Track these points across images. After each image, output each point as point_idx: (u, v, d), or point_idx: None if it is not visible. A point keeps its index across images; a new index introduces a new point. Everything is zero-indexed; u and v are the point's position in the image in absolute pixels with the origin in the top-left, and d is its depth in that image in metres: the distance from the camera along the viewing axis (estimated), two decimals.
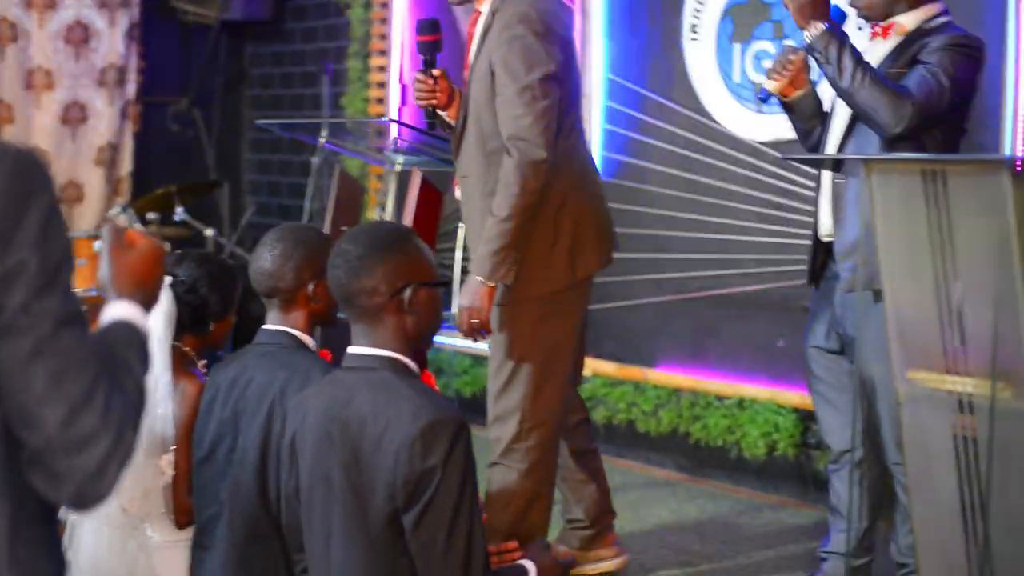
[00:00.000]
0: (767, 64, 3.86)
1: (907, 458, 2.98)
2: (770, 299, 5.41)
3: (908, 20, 3.68)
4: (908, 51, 3.61)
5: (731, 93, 5.62)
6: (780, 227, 5.37)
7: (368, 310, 2.62)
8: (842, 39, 3.54)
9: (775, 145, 5.31)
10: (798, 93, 3.85)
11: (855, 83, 3.48)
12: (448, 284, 2.73)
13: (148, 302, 1.82)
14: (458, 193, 3.88)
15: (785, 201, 5.34)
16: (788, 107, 3.89)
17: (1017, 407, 2.60)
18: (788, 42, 3.94)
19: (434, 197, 4.46)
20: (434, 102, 3.79)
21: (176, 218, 6.53)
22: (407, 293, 2.61)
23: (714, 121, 5.67)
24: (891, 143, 3.52)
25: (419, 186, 4.40)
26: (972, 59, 3.60)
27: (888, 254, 2.88)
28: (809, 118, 3.89)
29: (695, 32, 5.75)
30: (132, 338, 1.75)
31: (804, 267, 5.14)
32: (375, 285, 2.60)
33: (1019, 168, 2.77)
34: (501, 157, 3.59)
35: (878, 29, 3.73)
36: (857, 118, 3.64)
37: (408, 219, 4.30)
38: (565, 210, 3.67)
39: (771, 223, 5.41)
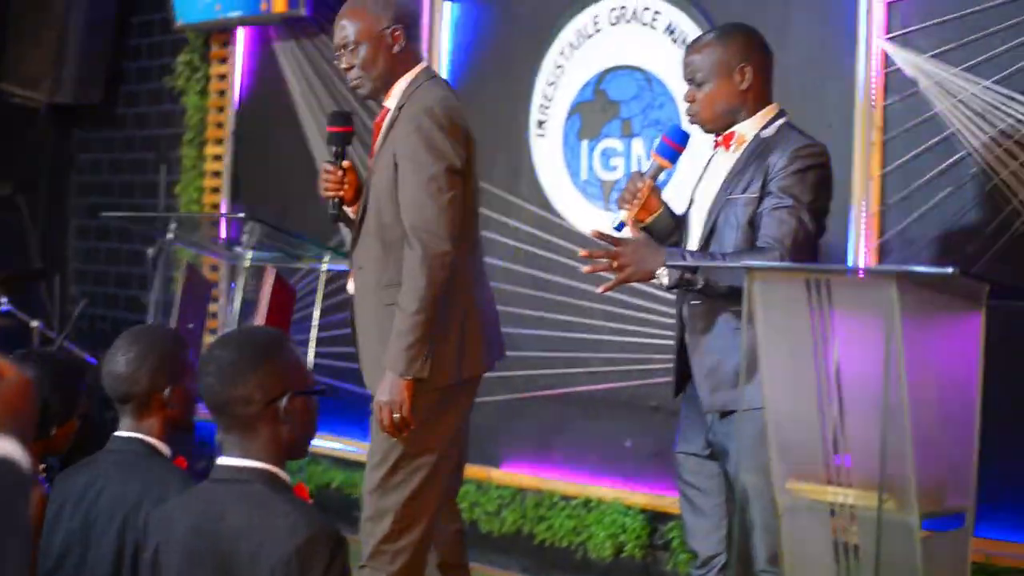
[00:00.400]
0: (623, 196, 3.79)
1: (785, 568, 2.93)
2: (618, 398, 5.38)
3: (747, 129, 3.64)
4: (753, 167, 3.56)
5: (578, 190, 5.61)
6: (627, 326, 5.36)
7: (241, 419, 2.48)
8: (691, 270, 3.47)
9: None
10: (652, 217, 3.80)
11: (725, 283, 3.45)
12: (324, 392, 2.60)
13: (24, 436, 1.64)
14: (351, 286, 3.81)
15: (632, 300, 5.33)
16: (646, 231, 3.86)
17: (901, 519, 2.58)
18: (645, 169, 3.89)
19: (287, 294, 4.32)
20: (341, 194, 3.76)
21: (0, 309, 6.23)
22: (283, 402, 2.49)
23: (560, 218, 5.66)
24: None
25: (273, 283, 4.26)
26: (823, 177, 3.55)
27: (770, 364, 2.85)
28: (669, 235, 3.86)
29: (542, 128, 5.75)
30: (15, 480, 1.57)
31: (652, 367, 5.19)
32: (249, 393, 2.47)
33: (862, 276, 2.79)
34: (401, 248, 3.58)
35: (720, 139, 3.72)
36: (715, 226, 3.62)
37: (261, 317, 4.16)
38: (456, 309, 3.63)
39: (618, 321, 5.39)
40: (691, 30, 5.20)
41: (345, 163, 3.76)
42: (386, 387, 3.55)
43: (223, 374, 2.47)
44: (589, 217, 5.51)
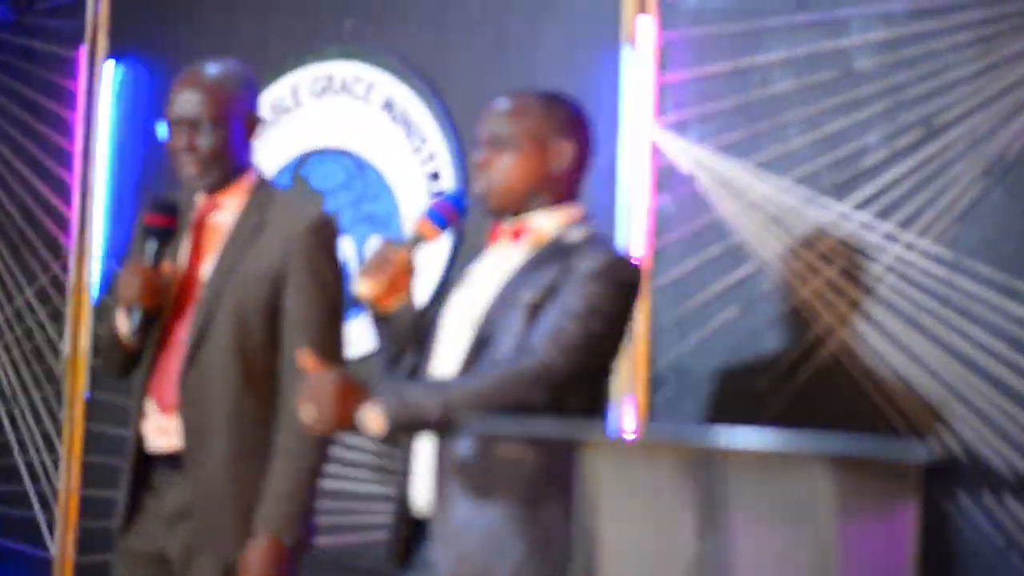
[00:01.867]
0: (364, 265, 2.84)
1: None
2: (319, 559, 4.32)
3: (548, 224, 2.78)
4: (554, 269, 2.69)
5: None
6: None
7: None
8: (400, 406, 2.57)
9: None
10: (397, 303, 2.85)
11: (466, 410, 2.55)
12: None
13: None
14: (163, 422, 3.12)
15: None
16: (381, 322, 2.88)
17: None
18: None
19: None
20: (150, 305, 3.10)
21: None
22: None
23: None
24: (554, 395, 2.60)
25: None
26: (630, 305, 2.73)
27: (608, 549, 1.93)
28: (405, 338, 2.89)
29: None
30: None
31: (365, 519, 4.19)
32: None
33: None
34: (270, 383, 3.09)
35: (507, 227, 2.81)
36: (491, 335, 2.68)
37: None
38: None
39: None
40: (414, 107, 4.28)
41: (164, 265, 3.14)
42: (259, 559, 3.01)
43: None
44: None
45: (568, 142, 2.80)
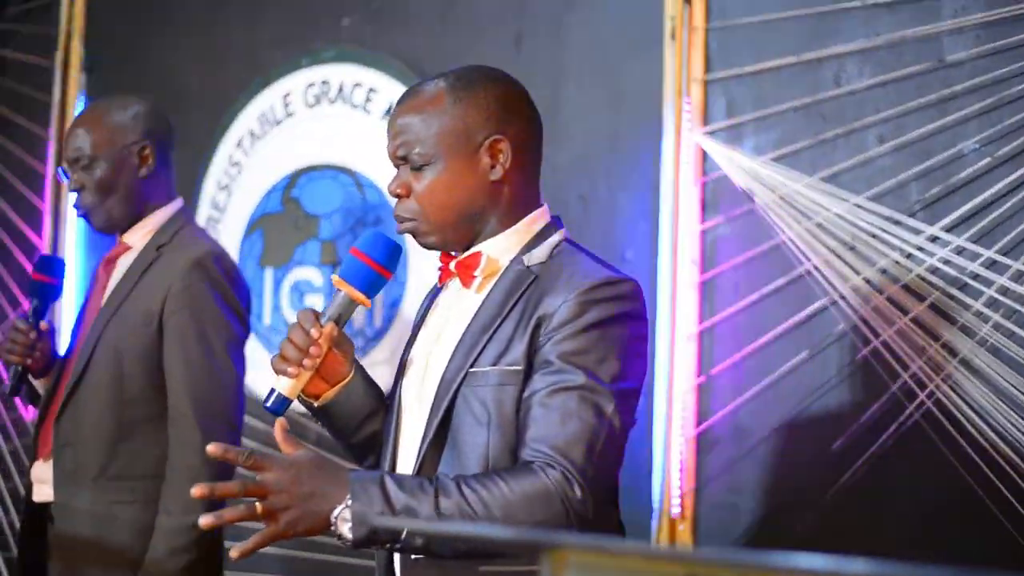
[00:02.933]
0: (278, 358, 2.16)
1: None
2: None
3: (499, 249, 2.14)
4: (515, 318, 2.05)
5: (259, 340, 3.98)
6: None
7: None
8: (394, 493, 1.93)
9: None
10: (335, 391, 2.21)
11: (470, 522, 1.92)
12: None
13: None
14: (41, 471, 3.09)
15: None
16: (324, 414, 2.25)
17: None
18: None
19: None
20: (28, 362, 3.13)
21: None
22: None
23: None
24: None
25: None
26: (633, 334, 2.06)
27: None
28: (364, 421, 2.26)
29: None
30: None
31: None
32: None
33: None
34: (144, 426, 3.03)
35: (449, 267, 2.18)
36: (450, 414, 2.05)
37: None
38: None
39: None
40: None
41: (43, 324, 3.15)
42: None
43: None
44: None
45: (501, 134, 2.13)
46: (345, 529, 1.90)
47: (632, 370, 2.04)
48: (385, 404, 2.26)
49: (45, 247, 4.41)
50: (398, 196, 2.15)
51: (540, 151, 2.21)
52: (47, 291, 3.18)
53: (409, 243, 2.41)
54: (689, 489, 3.21)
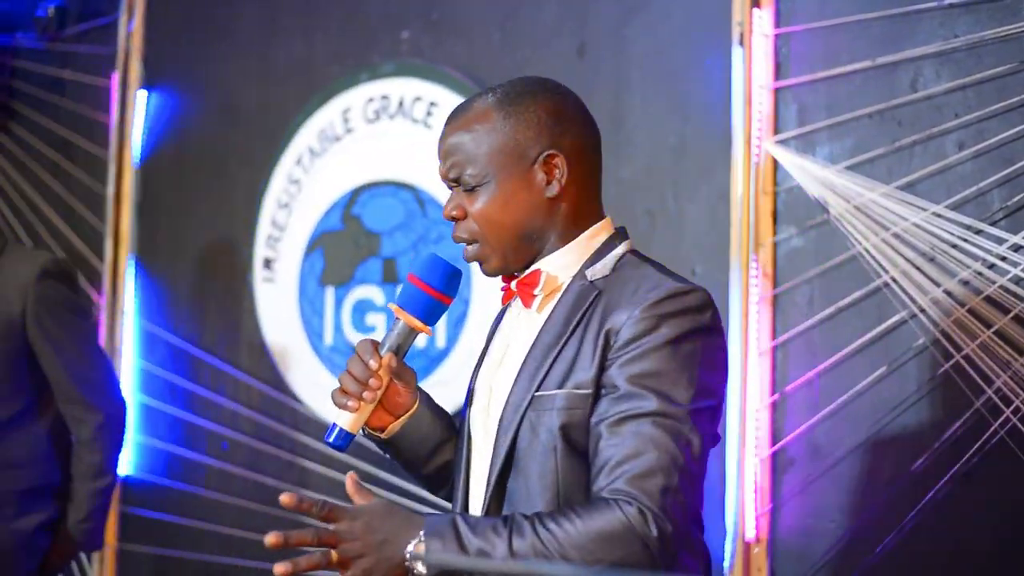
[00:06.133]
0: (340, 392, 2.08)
1: None
2: None
3: (560, 267, 2.05)
4: (578, 337, 1.97)
5: (321, 360, 3.92)
6: None
7: None
8: (465, 530, 1.85)
9: None
10: (399, 423, 2.13)
11: (546, 562, 1.83)
12: None
13: None
14: None
15: None
16: (391, 447, 2.17)
17: None
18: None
19: None
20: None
21: None
22: None
23: (296, 399, 4.00)
24: None
25: None
26: (708, 348, 1.96)
27: None
28: (433, 451, 2.18)
29: (269, 269, 4.08)
30: None
31: None
32: None
33: None
34: (16, 431, 3.20)
35: (512, 287, 2.09)
36: (515, 445, 1.96)
37: None
38: None
39: None
40: None
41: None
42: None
43: None
44: None
45: (555, 148, 2.04)
46: (420, 566, 1.83)
47: (709, 386, 1.94)
48: (455, 432, 2.18)
49: (106, 270, 4.38)
50: (454, 219, 2.07)
51: (599, 161, 2.11)
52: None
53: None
54: (764, 511, 3.09)
